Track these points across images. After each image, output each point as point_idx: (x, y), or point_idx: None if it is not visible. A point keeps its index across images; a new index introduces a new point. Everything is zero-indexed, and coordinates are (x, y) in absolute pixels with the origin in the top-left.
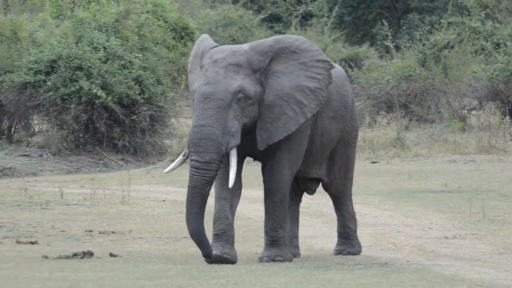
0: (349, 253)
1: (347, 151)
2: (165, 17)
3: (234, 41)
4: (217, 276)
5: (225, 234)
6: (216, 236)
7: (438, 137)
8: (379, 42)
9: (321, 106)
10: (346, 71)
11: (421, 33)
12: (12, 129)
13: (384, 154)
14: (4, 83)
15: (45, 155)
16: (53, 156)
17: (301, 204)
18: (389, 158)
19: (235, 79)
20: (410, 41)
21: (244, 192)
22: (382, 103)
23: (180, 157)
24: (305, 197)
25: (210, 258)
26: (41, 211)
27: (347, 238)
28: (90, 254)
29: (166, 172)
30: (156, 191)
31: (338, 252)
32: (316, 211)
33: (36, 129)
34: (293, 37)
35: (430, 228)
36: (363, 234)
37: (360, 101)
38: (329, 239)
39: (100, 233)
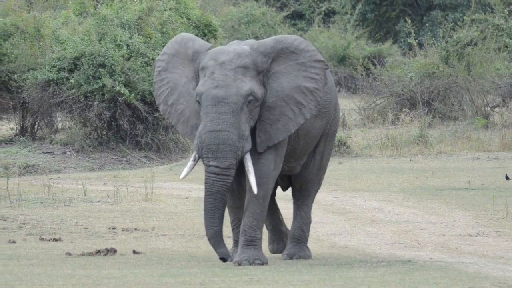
0: (300, 257)
1: (325, 146)
2: (188, 14)
3: (257, 38)
4: (240, 273)
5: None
6: (236, 242)
7: (461, 134)
8: (402, 40)
9: (318, 107)
10: (369, 68)
11: (444, 30)
12: (36, 127)
13: (407, 152)
14: (28, 81)
15: (68, 152)
16: (76, 153)
17: (324, 202)
18: (412, 155)
19: (244, 81)
20: (433, 38)
21: None
22: (405, 101)
23: (191, 162)
24: (329, 194)
25: (226, 259)
26: (65, 208)
27: (299, 242)
28: (113, 251)
29: (182, 178)
30: (179, 188)
31: (290, 256)
32: (339, 209)
33: (59, 126)
34: (292, 37)
35: (453, 226)
36: (386, 232)
37: (383, 98)
38: (352, 236)
39: (123, 230)
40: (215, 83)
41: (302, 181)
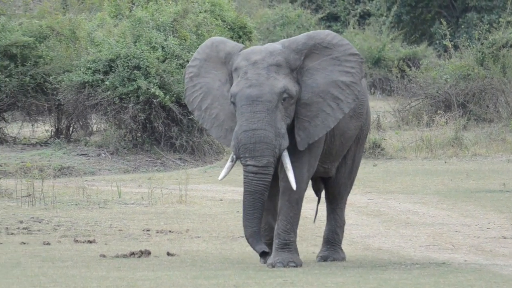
0: (334, 260)
1: (356, 149)
2: (223, 16)
3: None
4: (274, 275)
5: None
6: (268, 246)
7: (497, 136)
8: (437, 41)
9: (357, 101)
10: (404, 70)
11: (480, 32)
12: (70, 129)
13: (442, 154)
14: (63, 83)
15: (103, 154)
16: (111, 155)
17: (359, 204)
18: (447, 157)
19: (278, 79)
20: (469, 40)
21: None
22: (440, 103)
23: (229, 163)
24: (363, 197)
25: (266, 254)
26: (99, 210)
27: (333, 245)
28: (148, 253)
29: (220, 180)
30: (213, 190)
31: (324, 258)
32: (373, 211)
33: (94, 128)
34: (324, 32)
35: (488, 228)
36: (420, 234)
37: (418, 100)
38: (387, 239)
39: (157, 232)
40: (248, 82)
41: (336, 185)
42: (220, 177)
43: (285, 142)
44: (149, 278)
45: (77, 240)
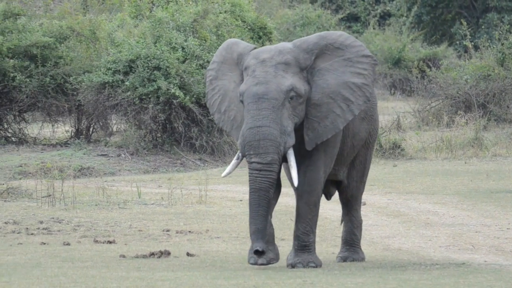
0: (354, 260)
1: (366, 153)
2: (243, 17)
3: None
4: (293, 276)
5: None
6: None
7: None
8: (457, 42)
9: (368, 103)
10: (424, 71)
11: (500, 32)
12: (91, 129)
13: (462, 154)
14: (83, 83)
15: (123, 155)
16: (131, 155)
17: (379, 204)
18: (467, 158)
19: (285, 77)
20: (489, 41)
21: None
22: (460, 103)
23: (234, 161)
24: (383, 197)
25: (259, 256)
26: (119, 210)
27: (352, 245)
28: (167, 253)
29: (223, 177)
30: (233, 190)
31: (343, 259)
32: (393, 211)
33: (114, 128)
34: (336, 33)
35: (508, 228)
36: (440, 234)
37: (438, 100)
38: (406, 239)
39: (177, 233)
40: (255, 80)
41: (348, 190)
42: (223, 174)
43: (291, 140)
44: (169, 279)
45: (97, 241)
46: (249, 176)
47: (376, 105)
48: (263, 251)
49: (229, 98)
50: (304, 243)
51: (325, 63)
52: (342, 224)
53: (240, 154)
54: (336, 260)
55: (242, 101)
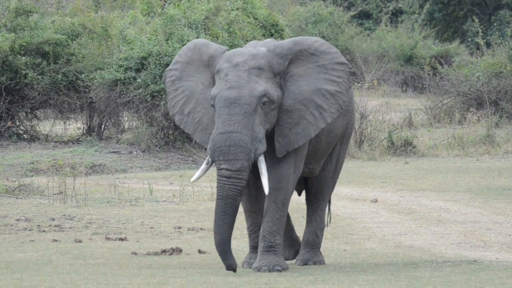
0: (315, 263)
1: (340, 149)
2: (255, 14)
3: (324, 38)
4: (305, 273)
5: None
6: (253, 247)
7: None
8: (469, 39)
9: (342, 111)
10: (436, 68)
11: None
12: (102, 126)
13: (474, 151)
14: (95, 80)
15: (134, 152)
16: (143, 153)
17: (390, 202)
18: (478, 155)
19: (258, 83)
20: (501, 38)
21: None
22: (472, 100)
23: (204, 166)
24: (395, 194)
25: (234, 271)
26: (131, 207)
27: (313, 247)
28: (179, 250)
29: (192, 182)
30: None
31: (304, 261)
32: (405, 208)
33: (126, 126)
34: (311, 39)
35: None
36: (452, 232)
37: (450, 98)
38: (418, 236)
39: (189, 230)
40: (228, 84)
41: (319, 185)
42: (192, 179)
43: (262, 147)
44: (180, 276)
45: (108, 238)
46: (217, 182)
47: (352, 98)
48: (235, 268)
49: (196, 99)
50: (270, 243)
51: (298, 69)
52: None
53: (209, 159)
54: (296, 263)
55: (213, 105)
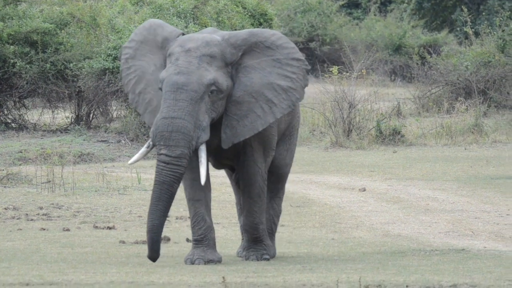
0: (270, 256)
1: (288, 144)
2: (243, 3)
3: (313, 27)
4: (293, 262)
5: (206, 238)
6: (197, 241)
7: None
8: (458, 28)
9: (293, 107)
10: (425, 57)
11: (501, 19)
12: (91, 115)
13: (462, 140)
14: (83, 69)
15: (123, 141)
16: (131, 141)
17: (378, 190)
18: (467, 144)
19: (208, 70)
20: (490, 27)
21: (321, 178)
22: (461, 89)
23: (144, 149)
24: (383, 183)
25: (153, 261)
26: (119, 196)
27: (270, 235)
28: (167, 239)
29: (130, 164)
30: None
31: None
32: (393, 197)
33: (114, 115)
34: (269, 32)
35: (507, 215)
36: (440, 220)
37: (439, 87)
38: (406, 225)
39: (177, 219)
40: (177, 69)
41: (277, 174)
42: (130, 162)
43: (205, 136)
44: (169, 264)
45: (96, 226)
46: (156, 167)
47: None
48: (155, 259)
49: (146, 80)
50: (254, 235)
51: (252, 61)
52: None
53: (151, 143)
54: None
55: (161, 88)
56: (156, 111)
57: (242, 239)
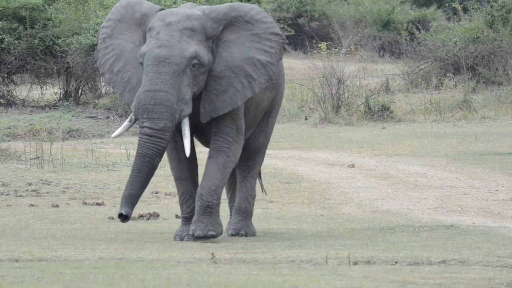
0: (247, 233)
1: (268, 122)
2: None
3: (301, 3)
4: (282, 238)
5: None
6: (185, 219)
7: (506, 99)
8: (446, 4)
9: (270, 82)
10: (413, 33)
11: None
12: (79, 91)
13: (451, 116)
14: (72, 45)
15: (111, 117)
16: (120, 118)
17: (367, 167)
18: (455, 120)
19: (190, 44)
20: (478, 3)
21: (310, 154)
22: (449, 65)
23: (126, 123)
24: (372, 159)
25: (122, 220)
26: (108, 172)
27: (246, 216)
28: (156, 215)
29: (113, 137)
30: None
31: (236, 231)
32: (382, 173)
33: (103, 91)
34: (248, 6)
35: (496, 191)
36: (429, 196)
37: (427, 63)
38: (395, 201)
39: (166, 195)
40: (159, 42)
41: (249, 153)
42: (113, 135)
43: (188, 109)
44: (158, 240)
45: (85, 203)
46: (139, 140)
47: (280, 71)
48: (127, 216)
49: (125, 58)
50: (207, 202)
51: (232, 35)
52: (231, 194)
53: (133, 117)
54: (228, 233)
55: (141, 63)
56: (136, 89)
57: (231, 215)
